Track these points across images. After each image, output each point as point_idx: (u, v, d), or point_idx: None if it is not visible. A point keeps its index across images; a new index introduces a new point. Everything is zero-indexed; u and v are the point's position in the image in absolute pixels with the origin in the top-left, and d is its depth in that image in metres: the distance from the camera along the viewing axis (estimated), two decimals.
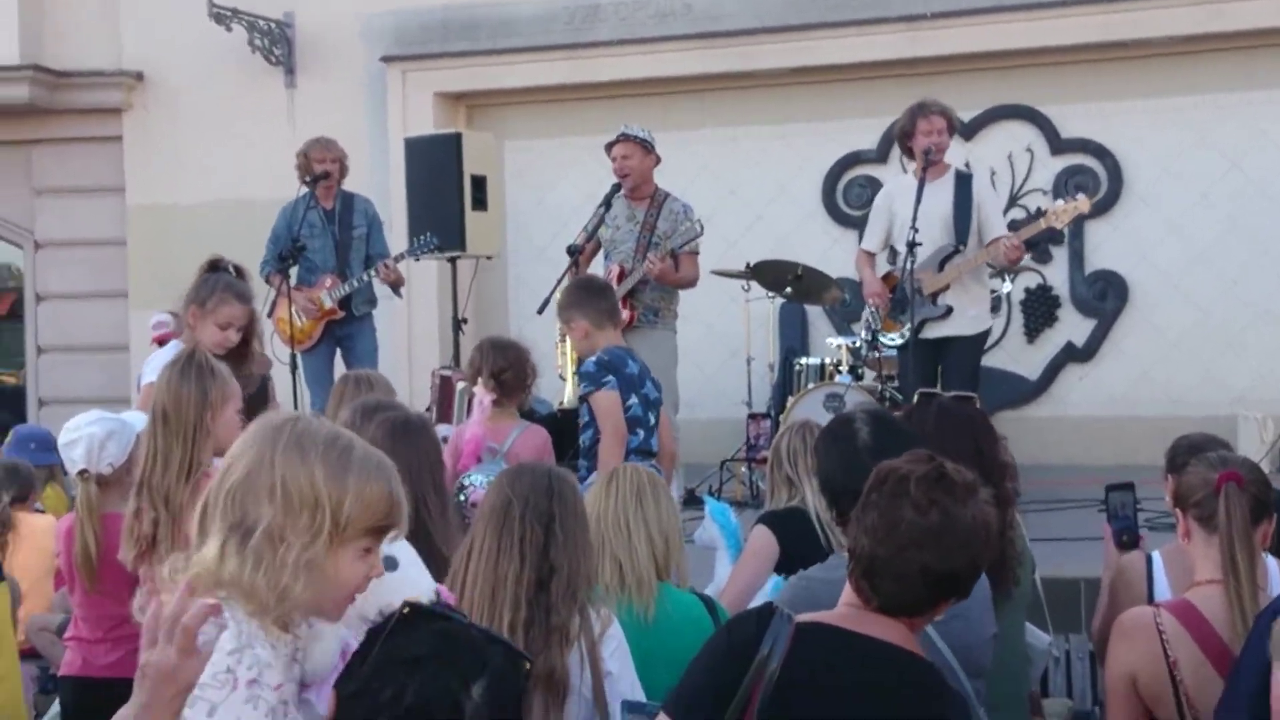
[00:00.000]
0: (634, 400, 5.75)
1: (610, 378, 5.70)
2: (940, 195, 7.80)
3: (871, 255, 8.21)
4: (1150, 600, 3.73)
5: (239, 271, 5.64)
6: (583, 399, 5.88)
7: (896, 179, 8.62)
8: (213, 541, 2.13)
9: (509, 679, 2.11)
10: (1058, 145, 11.09)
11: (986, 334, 8.21)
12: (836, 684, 2.57)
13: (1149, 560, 3.94)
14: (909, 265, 7.50)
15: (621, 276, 8.13)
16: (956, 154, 8.47)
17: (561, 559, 3.35)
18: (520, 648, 2.75)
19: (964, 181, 7.93)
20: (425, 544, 3.16)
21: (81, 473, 4.32)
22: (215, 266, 5.59)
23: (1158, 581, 3.87)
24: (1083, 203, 8.12)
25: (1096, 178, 10.94)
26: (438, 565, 3.34)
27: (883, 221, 8.07)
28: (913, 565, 2.58)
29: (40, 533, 6.19)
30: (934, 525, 2.58)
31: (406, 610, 2.14)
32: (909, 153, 7.94)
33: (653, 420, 5.87)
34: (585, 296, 5.98)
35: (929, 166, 7.73)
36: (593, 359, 5.78)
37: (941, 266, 7.79)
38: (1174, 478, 3.79)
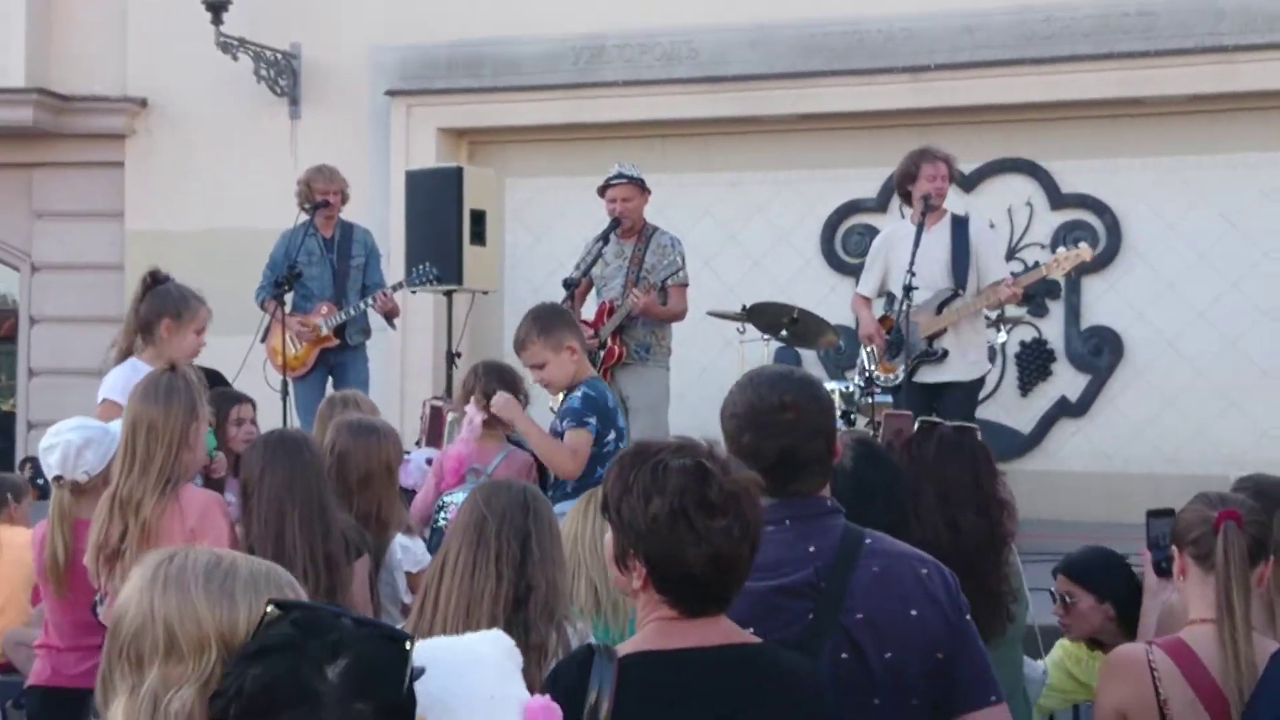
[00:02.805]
0: (611, 436, 5.59)
1: (593, 419, 5.51)
2: (938, 240, 7.76)
3: (868, 300, 8.18)
4: None
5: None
6: (558, 432, 5.63)
7: (894, 225, 8.57)
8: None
9: (381, 660, 1.96)
10: (1057, 200, 11.09)
11: (983, 380, 8.15)
12: (673, 703, 2.50)
13: None
14: (905, 307, 7.46)
15: (610, 313, 8.07)
16: (956, 205, 8.42)
17: (538, 576, 3.30)
18: None
19: (960, 225, 7.87)
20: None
21: (56, 479, 4.26)
22: (156, 278, 5.37)
23: None
24: (1084, 251, 8.09)
25: (1095, 234, 10.93)
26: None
27: (879, 267, 8.02)
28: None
29: (19, 546, 6.10)
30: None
31: (268, 609, 1.97)
32: (907, 197, 7.89)
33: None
34: (567, 318, 5.82)
35: (928, 212, 7.69)
36: (579, 394, 5.56)
37: (939, 310, 7.75)
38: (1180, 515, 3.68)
